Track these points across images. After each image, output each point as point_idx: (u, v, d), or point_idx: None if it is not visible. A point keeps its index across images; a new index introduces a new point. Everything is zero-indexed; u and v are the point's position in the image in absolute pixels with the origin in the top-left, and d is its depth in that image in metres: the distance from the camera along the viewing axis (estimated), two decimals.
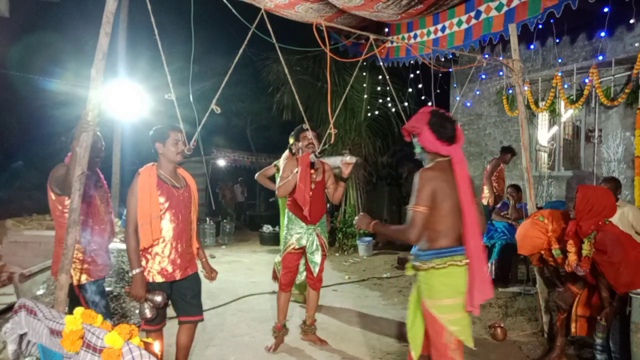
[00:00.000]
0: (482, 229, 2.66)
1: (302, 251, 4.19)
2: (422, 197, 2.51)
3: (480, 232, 2.58)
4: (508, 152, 7.50)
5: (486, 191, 7.47)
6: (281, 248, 4.36)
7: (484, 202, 7.52)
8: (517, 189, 6.81)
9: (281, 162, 5.33)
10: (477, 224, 2.54)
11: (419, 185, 2.54)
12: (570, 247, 3.54)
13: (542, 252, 3.82)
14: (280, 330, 4.27)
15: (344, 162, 3.92)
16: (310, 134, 4.11)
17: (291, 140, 4.97)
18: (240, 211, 16.16)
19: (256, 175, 5.65)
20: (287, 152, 5.20)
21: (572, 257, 3.53)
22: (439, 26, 5.64)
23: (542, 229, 3.67)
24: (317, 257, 4.16)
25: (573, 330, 3.78)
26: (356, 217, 2.90)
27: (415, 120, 2.68)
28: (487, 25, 4.98)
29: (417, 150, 2.73)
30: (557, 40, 7.62)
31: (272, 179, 5.62)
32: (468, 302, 2.52)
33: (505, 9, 4.76)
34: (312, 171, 4.04)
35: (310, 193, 4.06)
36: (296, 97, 4.39)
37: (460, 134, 2.68)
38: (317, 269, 4.16)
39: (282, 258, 4.25)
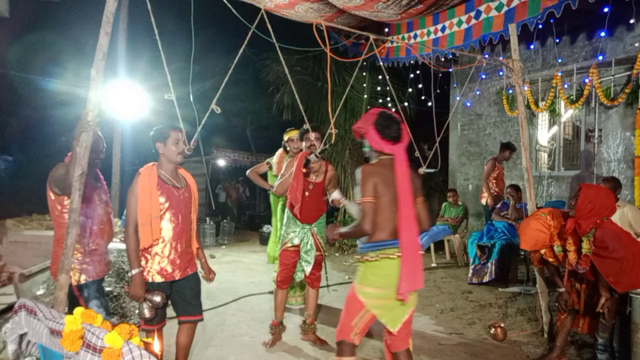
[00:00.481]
0: (425, 226, 2.82)
1: (297, 249, 4.22)
2: (366, 189, 2.67)
3: (416, 227, 2.70)
4: (507, 149, 7.46)
5: (485, 192, 7.46)
6: (278, 246, 4.40)
7: (483, 202, 7.51)
8: (516, 189, 6.80)
9: (274, 159, 5.32)
10: (412, 219, 2.67)
11: (361, 180, 2.71)
12: (570, 246, 3.55)
13: (543, 251, 3.82)
14: (277, 327, 4.32)
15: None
16: (312, 136, 4.11)
17: (285, 138, 4.98)
18: (241, 211, 16.19)
19: (248, 171, 5.61)
20: (280, 150, 5.19)
21: (572, 256, 3.53)
22: (439, 26, 5.64)
23: (545, 224, 3.68)
24: (310, 257, 4.18)
25: (580, 329, 3.79)
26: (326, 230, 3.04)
27: (362, 120, 2.86)
28: (487, 25, 4.98)
29: (366, 148, 2.90)
30: (557, 40, 7.61)
31: (264, 176, 5.61)
32: (397, 291, 2.63)
33: (505, 9, 4.76)
34: (304, 170, 4.05)
35: (307, 193, 4.09)
36: (296, 97, 4.39)
37: (406, 134, 2.83)
38: (308, 268, 4.18)
39: (279, 255, 4.29)
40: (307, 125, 4.18)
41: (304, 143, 4.25)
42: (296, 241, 4.17)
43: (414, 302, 2.76)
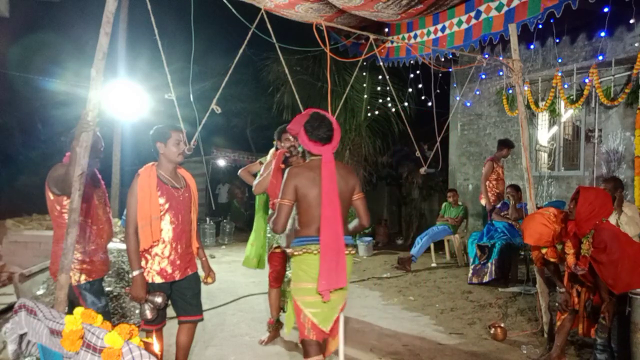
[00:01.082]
0: (364, 222, 2.95)
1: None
2: (285, 192, 2.82)
3: (340, 227, 2.75)
4: (504, 147, 7.34)
5: (483, 193, 7.40)
6: (265, 249, 4.46)
7: (482, 202, 7.47)
8: (516, 189, 6.79)
9: (268, 159, 5.30)
10: (335, 219, 2.74)
11: (284, 182, 2.85)
12: (569, 249, 3.56)
13: (545, 251, 3.84)
14: (274, 325, 4.39)
15: None
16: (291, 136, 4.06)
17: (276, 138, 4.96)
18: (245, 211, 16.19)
19: (240, 170, 5.48)
20: (273, 150, 5.17)
21: (570, 258, 3.54)
22: (439, 26, 5.63)
23: (549, 220, 3.70)
24: None
25: (581, 331, 3.79)
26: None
27: (294, 121, 2.92)
28: (487, 25, 4.98)
29: (300, 148, 2.99)
30: (557, 40, 7.61)
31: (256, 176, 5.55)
32: (317, 288, 2.73)
33: (505, 9, 4.76)
34: (283, 166, 4.04)
35: None
36: (296, 97, 4.40)
37: (337, 134, 2.88)
38: None
39: (268, 257, 4.37)
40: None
41: (282, 143, 4.22)
42: (281, 241, 4.19)
43: (340, 300, 2.85)
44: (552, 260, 3.82)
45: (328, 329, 2.83)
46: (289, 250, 2.92)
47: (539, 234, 3.73)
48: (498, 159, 7.41)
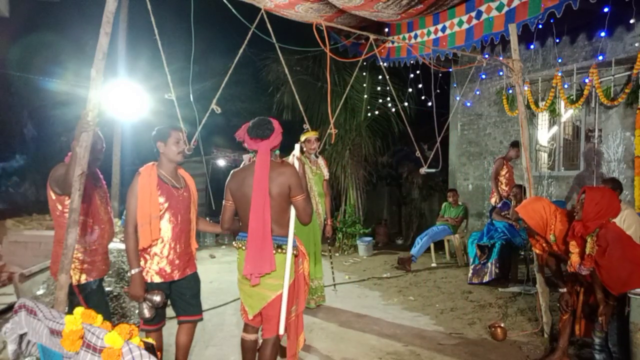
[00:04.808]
0: (302, 220, 3.00)
1: None
2: (225, 193, 3.07)
3: (266, 219, 2.84)
4: (515, 147, 7.43)
5: (494, 191, 7.40)
6: None
7: (492, 202, 7.46)
8: (522, 189, 6.78)
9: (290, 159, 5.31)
10: (259, 211, 2.84)
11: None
12: (573, 248, 3.55)
13: (540, 249, 3.86)
14: None
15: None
16: None
17: (302, 138, 5.01)
18: None
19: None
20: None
21: (575, 258, 3.53)
22: (440, 26, 5.64)
23: (547, 204, 3.71)
24: None
25: (577, 332, 3.79)
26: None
27: (241, 129, 3.05)
28: (488, 26, 4.98)
29: (251, 154, 3.16)
30: (557, 40, 7.61)
31: None
32: (243, 272, 2.92)
33: (505, 9, 4.77)
34: None
35: None
36: (296, 97, 4.40)
37: (275, 134, 2.97)
38: None
39: None
40: (306, 126, 4.19)
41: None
42: None
43: (266, 295, 2.94)
44: (537, 252, 3.84)
45: (251, 315, 3.07)
46: (233, 244, 3.11)
47: (539, 217, 3.71)
48: (508, 160, 7.44)
